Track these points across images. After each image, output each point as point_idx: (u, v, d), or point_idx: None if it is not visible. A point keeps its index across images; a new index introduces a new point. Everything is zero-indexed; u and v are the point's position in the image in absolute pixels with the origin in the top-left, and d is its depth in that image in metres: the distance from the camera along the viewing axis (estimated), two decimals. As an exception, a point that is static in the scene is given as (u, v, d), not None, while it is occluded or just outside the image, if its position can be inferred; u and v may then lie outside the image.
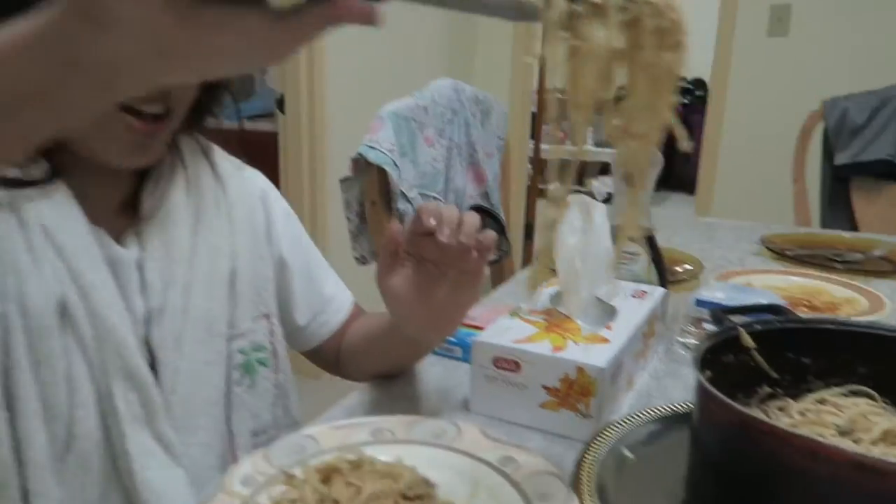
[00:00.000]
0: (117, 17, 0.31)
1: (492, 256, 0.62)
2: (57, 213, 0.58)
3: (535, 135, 3.72)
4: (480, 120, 1.56)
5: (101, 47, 0.32)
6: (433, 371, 0.78)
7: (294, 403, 0.74)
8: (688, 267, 1.11)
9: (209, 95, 0.67)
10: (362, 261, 1.35)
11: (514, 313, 0.74)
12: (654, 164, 0.88)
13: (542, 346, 0.66)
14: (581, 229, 0.75)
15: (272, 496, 0.50)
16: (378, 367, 0.76)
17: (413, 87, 2.81)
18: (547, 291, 0.82)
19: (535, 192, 3.76)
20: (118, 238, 0.63)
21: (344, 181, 1.33)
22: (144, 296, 0.63)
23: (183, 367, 0.62)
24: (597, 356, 0.64)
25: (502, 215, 1.60)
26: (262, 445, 0.69)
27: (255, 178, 0.77)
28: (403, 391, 0.74)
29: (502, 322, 0.72)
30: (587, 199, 0.78)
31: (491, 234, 0.61)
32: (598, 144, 5.91)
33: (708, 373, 0.51)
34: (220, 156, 0.74)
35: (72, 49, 0.32)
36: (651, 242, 0.89)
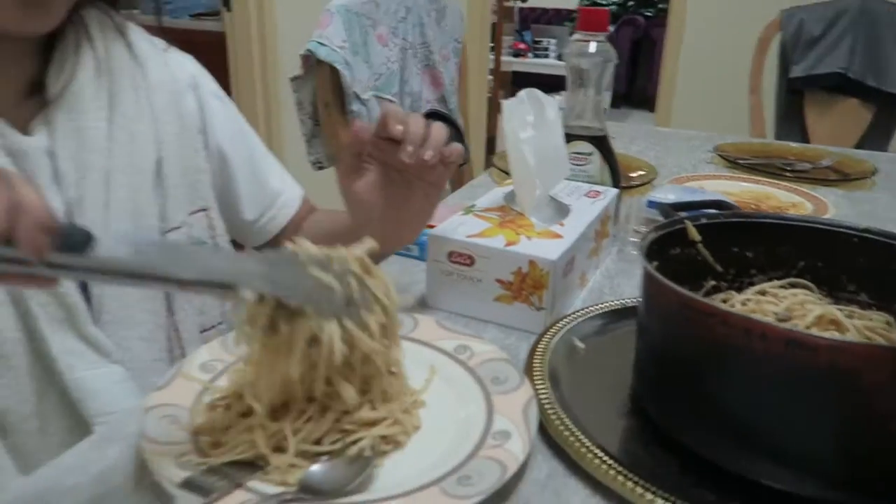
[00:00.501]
0: None
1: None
2: None
3: (496, 46, 3.65)
4: (436, 20, 1.51)
5: None
6: (391, 269, 0.78)
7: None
8: (642, 172, 1.12)
9: None
10: (318, 165, 1.32)
11: (468, 210, 0.74)
12: (609, 61, 0.86)
13: (496, 241, 0.66)
14: (533, 124, 0.74)
15: (232, 380, 0.50)
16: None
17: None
18: (500, 190, 0.82)
19: (496, 105, 3.72)
20: (23, 127, 0.58)
21: (294, 80, 1.28)
22: (59, 187, 0.59)
23: None
24: (549, 250, 0.65)
25: (460, 121, 1.58)
26: (207, 329, 0.69)
27: (184, 63, 0.73)
28: (358, 287, 0.74)
29: (456, 218, 0.72)
30: (539, 92, 0.76)
31: (457, 148, 0.60)
32: (559, 58, 5.82)
33: (655, 263, 0.52)
34: (139, 36, 0.68)
35: None
36: (604, 143, 0.89)
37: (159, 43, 0.69)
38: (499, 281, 0.66)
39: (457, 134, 1.56)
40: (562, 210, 0.76)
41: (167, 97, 0.66)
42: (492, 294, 0.67)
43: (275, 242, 0.79)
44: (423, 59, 1.47)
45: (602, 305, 0.68)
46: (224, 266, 0.39)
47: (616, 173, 0.88)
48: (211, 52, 2.37)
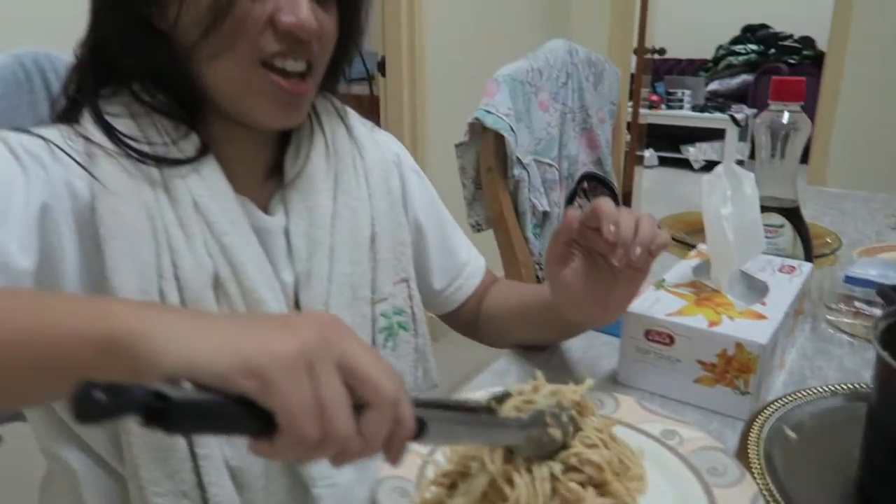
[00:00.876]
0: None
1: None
2: (206, 187, 0.58)
3: (635, 99, 3.61)
4: (594, 83, 1.52)
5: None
6: (574, 341, 0.78)
7: (433, 366, 0.76)
8: (827, 241, 1.06)
9: (342, 55, 0.66)
10: (477, 227, 1.35)
11: (660, 285, 0.73)
12: (802, 129, 0.84)
13: (697, 320, 0.65)
14: (731, 199, 0.72)
15: (446, 455, 0.52)
16: (523, 337, 0.77)
17: (511, 47, 2.78)
18: (687, 263, 0.80)
19: (633, 159, 3.67)
20: (263, 206, 0.64)
21: (459, 146, 1.33)
22: (291, 262, 0.64)
23: None
24: (756, 332, 0.62)
25: (615, 183, 1.57)
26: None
27: (389, 142, 0.78)
28: (549, 361, 0.74)
29: (649, 294, 0.71)
30: (736, 167, 0.75)
31: (665, 240, 0.59)
32: (694, 109, 5.68)
33: (888, 352, 0.49)
34: (355, 118, 0.74)
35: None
36: (796, 215, 0.85)
37: (367, 123, 0.75)
38: (700, 362, 0.64)
39: (612, 195, 1.55)
40: (758, 287, 0.73)
41: (380, 175, 0.71)
42: (692, 375, 0.65)
43: (458, 312, 0.82)
44: (580, 122, 1.48)
45: (811, 392, 0.64)
46: (502, 433, 0.44)
47: (808, 246, 0.84)
48: (364, 115, 2.54)
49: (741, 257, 0.73)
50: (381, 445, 0.35)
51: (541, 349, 0.77)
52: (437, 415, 0.38)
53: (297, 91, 0.58)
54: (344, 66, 0.68)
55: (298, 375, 0.32)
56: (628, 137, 3.60)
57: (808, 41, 5.93)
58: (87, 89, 0.58)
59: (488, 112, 1.24)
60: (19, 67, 0.67)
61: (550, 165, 1.39)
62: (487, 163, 1.30)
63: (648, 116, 5.37)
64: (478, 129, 1.28)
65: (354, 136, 0.71)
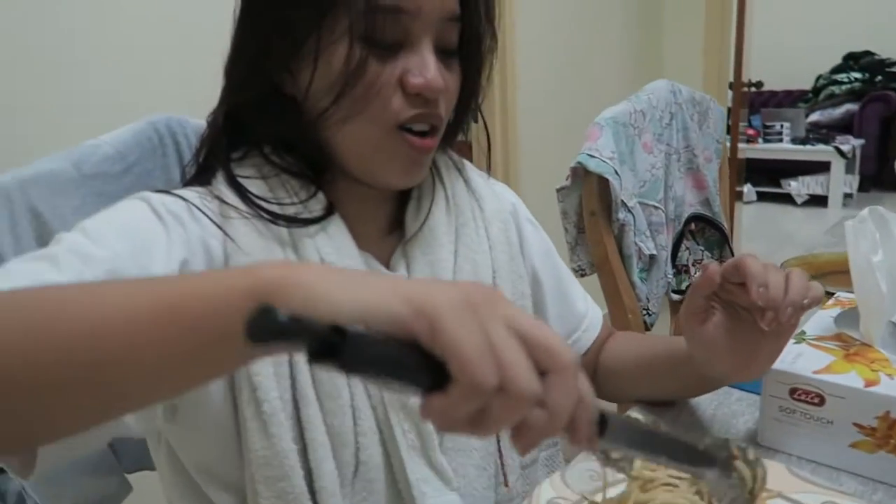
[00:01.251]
0: None
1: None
2: (333, 245, 0.58)
3: (732, 133, 3.49)
4: (698, 122, 1.48)
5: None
6: (704, 397, 0.73)
7: None
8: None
9: (463, 111, 0.66)
10: (581, 272, 1.32)
11: (800, 338, 0.68)
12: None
13: (851, 379, 0.59)
14: (880, 244, 0.66)
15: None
16: (649, 392, 0.73)
17: (602, 87, 2.76)
18: (826, 313, 0.74)
19: (732, 195, 3.53)
20: (385, 261, 0.64)
21: (560, 190, 1.31)
22: None
23: None
24: (923, 393, 0.56)
25: (724, 223, 1.50)
26: (528, 465, 0.69)
27: (505, 193, 0.77)
28: (678, 417, 0.70)
29: (791, 348, 0.65)
30: (882, 210, 0.69)
31: (818, 293, 0.55)
32: (794, 141, 5.43)
33: None
34: (472, 171, 0.73)
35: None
36: (950, 258, 0.77)
37: (483, 174, 0.74)
38: (857, 425, 0.58)
39: (721, 236, 1.48)
40: (916, 340, 0.66)
41: (499, 226, 0.70)
42: (847, 439, 0.59)
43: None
44: (686, 162, 1.43)
45: None
46: (680, 451, 0.41)
47: (967, 293, 0.76)
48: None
49: (893, 307, 0.67)
50: (566, 424, 0.32)
51: (668, 405, 0.72)
52: (615, 416, 0.35)
53: (423, 148, 0.59)
54: (463, 122, 0.68)
55: (468, 319, 0.30)
56: (727, 171, 3.47)
57: (917, 64, 5.59)
58: (219, 153, 0.60)
59: (591, 156, 1.22)
60: (154, 133, 0.71)
61: (656, 208, 1.35)
62: (591, 207, 1.28)
63: (746, 151, 5.18)
64: (580, 174, 1.26)
65: (473, 188, 0.70)
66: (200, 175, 0.62)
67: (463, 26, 0.59)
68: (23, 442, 0.39)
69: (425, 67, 0.56)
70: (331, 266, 0.33)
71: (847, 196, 5.33)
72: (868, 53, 5.89)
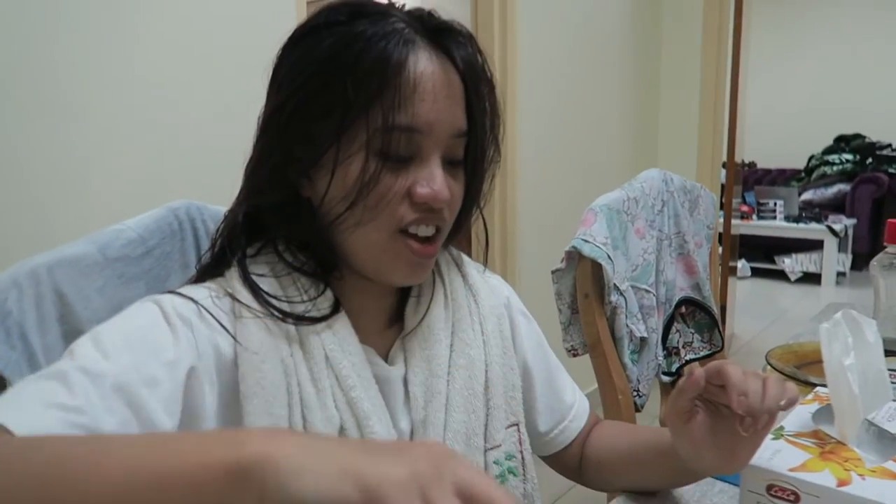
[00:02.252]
0: None
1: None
2: (337, 341, 0.62)
3: (726, 210, 3.58)
4: (689, 209, 1.54)
5: None
6: (687, 488, 0.75)
7: None
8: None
9: (466, 213, 0.70)
10: (573, 352, 1.35)
11: (778, 434, 0.71)
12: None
13: (824, 478, 0.62)
14: (853, 347, 0.70)
15: None
16: (634, 482, 0.75)
17: (601, 176, 2.84)
18: (805, 409, 0.77)
19: (726, 270, 3.59)
20: (384, 354, 0.67)
21: (555, 272, 1.36)
22: (408, 410, 0.66)
23: None
24: (892, 495, 0.59)
25: (714, 308, 1.54)
26: None
27: (501, 286, 0.80)
28: (662, 508, 0.72)
29: (769, 444, 0.68)
30: (855, 313, 0.73)
31: (792, 396, 0.59)
32: (787, 219, 5.53)
33: None
34: (469, 265, 0.77)
35: None
36: (923, 358, 0.81)
37: (479, 267, 0.78)
38: (831, 524, 0.61)
39: (711, 321, 1.52)
40: (888, 440, 0.70)
41: (494, 322, 0.73)
42: (822, 538, 0.61)
43: (562, 454, 0.81)
44: (677, 247, 1.49)
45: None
46: None
47: (939, 393, 0.79)
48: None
49: (868, 408, 0.70)
50: None
51: (650, 495, 0.75)
52: None
53: (427, 253, 0.63)
54: (465, 225, 0.71)
55: (413, 497, 0.34)
56: (720, 249, 3.54)
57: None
58: (237, 250, 0.64)
59: (585, 241, 1.27)
60: (174, 219, 0.76)
61: (648, 291, 1.39)
62: (584, 289, 1.32)
63: (740, 227, 5.29)
64: (575, 257, 1.31)
65: (470, 283, 0.74)
66: (215, 266, 0.65)
67: (469, 140, 0.64)
68: None
69: (433, 180, 0.60)
70: (307, 436, 0.38)
71: (840, 274, 5.40)
72: (858, 136, 6.07)
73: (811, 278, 5.45)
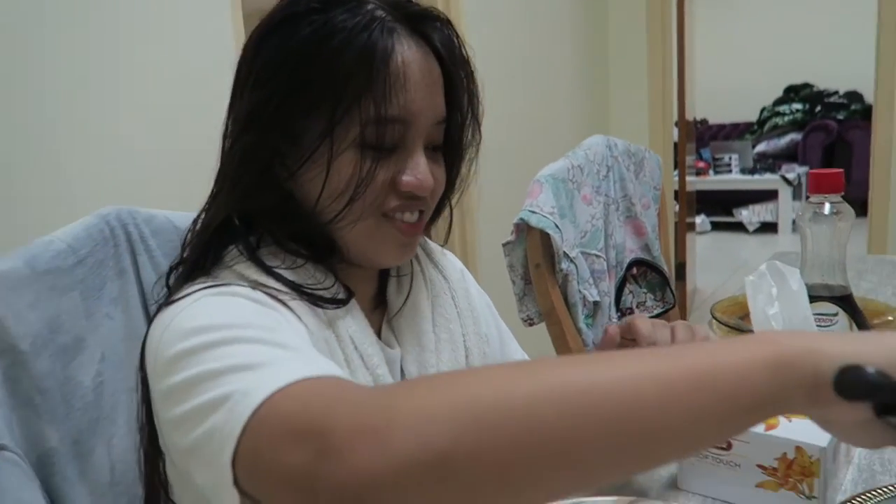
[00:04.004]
0: (836, 416, 0.38)
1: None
2: (357, 324, 0.63)
3: (680, 167, 3.63)
4: (634, 172, 1.56)
5: (807, 409, 0.38)
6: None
7: None
8: (889, 319, 1.03)
9: (445, 195, 0.70)
10: (529, 322, 1.38)
11: (714, 386, 0.74)
12: (846, 219, 0.84)
13: (753, 424, 0.65)
14: (777, 297, 0.73)
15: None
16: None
17: (555, 145, 2.85)
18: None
19: (683, 227, 3.65)
20: (378, 333, 0.69)
21: (506, 245, 1.37)
22: None
23: None
24: (816, 434, 0.62)
25: (664, 266, 1.58)
26: None
27: (455, 261, 0.82)
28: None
29: (704, 396, 0.71)
30: (780, 265, 0.76)
31: (703, 335, 0.62)
32: (742, 172, 5.64)
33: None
34: (429, 243, 0.78)
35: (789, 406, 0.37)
36: (849, 301, 0.85)
37: (437, 247, 0.79)
38: (761, 467, 0.64)
39: (662, 279, 1.55)
40: (815, 382, 0.73)
41: (462, 295, 0.75)
42: (753, 480, 0.64)
43: None
44: (624, 211, 1.52)
45: (883, 491, 0.63)
46: None
47: (866, 330, 0.83)
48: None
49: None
50: None
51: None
52: None
53: (413, 232, 0.64)
54: (443, 209, 0.71)
55: None
56: (677, 207, 3.60)
57: (855, 96, 5.89)
58: (246, 252, 0.61)
59: (532, 212, 1.29)
60: (105, 225, 0.75)
61: (598, 256, 1.42)
62: (535, 259, 1.34)
63: (697, 183, 5.37)
64: (523, 229, 1.33)
65: (435, 261, 0.75)
66: (205, 268, 0.62)
67: (448, 126, 0.65)
68: None
69: (417, 169, 0.61)
70: (822, 334, 0.38)
71: (795, 222, 5.53)
72: (807, 85, 6.19)
73: (769, 228, 5.58)
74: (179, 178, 1.44)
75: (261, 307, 0.55)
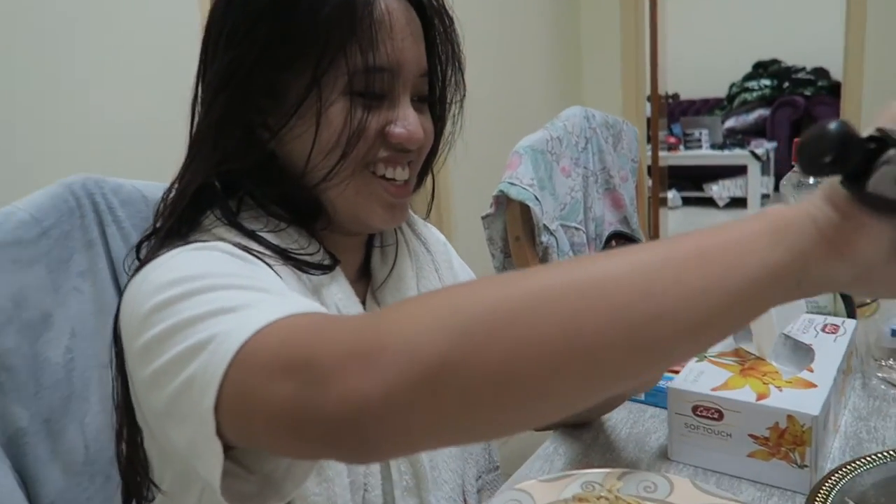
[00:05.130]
0: (855, 253, 0.34)
1: None
2: (342, 292, 0.61)
3: (653, 142, 3.65)
4: (613, 144, 1.55)
5: (824, 274, 0.34)
6: (619, 416, 0.77)
7: (495, 448, 0.76)
8: (867, 301, 1.04)
9: (428, 160, 0.68)
10: (509, 295, 1.37)
11: (702, 356, 0.73)
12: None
13: (745, 393, 0.65)
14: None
15: None
16: (569, 416, 0.77)
17: (527, 118, 2.84)
18: (727, 328, 0.80)
19: (656, 202, 3.68)
20: (362, 303, 0.66)
21: (485, 217, 1.36)
22: None
23: None
24: (807, 403, 0.62)
25: (643, 239, 1.57)
26: (480, 489, 0.72)
27: (437, 234, 0.80)
28: (596, 438, 0.74)
29: (692, 366, 0.71)
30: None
31: None
32: (713, 147, 5.69)
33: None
34: (416, 219, 0.76)
35: (803, 274, 0.34)
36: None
37: (419, 219, 0.77)
38: (752, 436, 0.64)
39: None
40: (803, 351, 0.73)
41: (445, 266, 0.74)
42: (745, 450, 0.64)
43: None
44: (603, 183, 1.51)
45: (870, 459, 0.63)
46: None
47: (850, 302, 0.83)
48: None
49: (782, 323, 0.73)
50: None
51: (584, 427, 0.76)
52: None
53: (402, 193, 0.61)
54: (429, 168, 0.69)
55: None
56: (650, 182, 3.62)
57: (821, 72, 5.96)
58: (226, 215, 0.58)
59: (512, 184, 1.27)
60: (70, 195, 0.71)
61: (577, 229, 1.41)
62: (515, 232, 1.33)
63: (668, 159, 5.41)
64: (503, 201, 1.31)
65: (417, 232, 0.73)
66: (184, 232, 0.58)
67: (431, 79, 0.63)
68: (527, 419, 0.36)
69: (407, 120, 0.58)
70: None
71: (764, 196, 5.61)
72: (775, 62, 6.24)
73: (738, 202, 5.64)
74: (148, 148, 1.39)
75: (241, 261, 0.52)
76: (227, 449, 0.41)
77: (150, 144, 1.39)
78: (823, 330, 0.77)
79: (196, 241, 0.54)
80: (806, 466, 0.61)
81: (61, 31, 1.33)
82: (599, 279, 0.34)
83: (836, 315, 0.82)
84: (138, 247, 0.61)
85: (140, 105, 1.43)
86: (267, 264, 0.55)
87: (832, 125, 0.31)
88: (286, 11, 0.55)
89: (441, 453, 0.66)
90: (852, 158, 0.32)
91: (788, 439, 0.62)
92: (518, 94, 2.85)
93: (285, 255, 0.58)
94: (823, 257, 0.34)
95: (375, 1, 0.56)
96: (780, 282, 0.34)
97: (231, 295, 0.44)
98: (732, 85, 6.43)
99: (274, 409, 0.37)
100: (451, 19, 0.64)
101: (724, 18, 6.53)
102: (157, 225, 0.60)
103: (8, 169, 1.27)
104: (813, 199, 0.35)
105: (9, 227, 0.66)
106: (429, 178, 0.73)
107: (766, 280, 0.34)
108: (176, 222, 0.59)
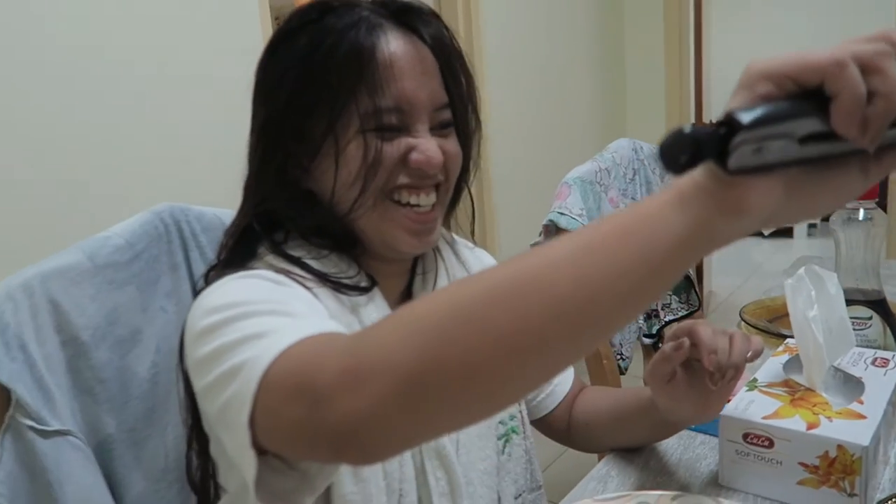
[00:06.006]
0: (752, 208, 0.36)
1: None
2: (379, 313, 0.66)
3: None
4: (660, 175, 1.57)
5: (731, 229, 0.37)
6: (670, 442, 0.80)
7: (538, 468, 0.79)
8: (918, 323, 1.04)
9: (458, 190, 0.73)
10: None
11: (752, 385, 0.75)
12: (879, 224, 0.86)
13: (795, 423, 0.66)
14: (815, 300, 0.75)
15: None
16: (619, 441, 0.80)
17: (568, 145, 2.87)
18: (777, 360, 0.82)
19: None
20: None
21: (534, 245, 1.39)
22: None
23: (462, 440, 0.69)
24: (857, 433, 0.63)
25: (689, 269, 1.59)
26: None
27: (484, 258, 0.84)
28: (647, 462, 0.76)
29: (743, 395, 0.73)
30: (817, 268, 0.78)
31: (757, 349, 0.64)
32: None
33: None
34: (460, 243, 0.80)
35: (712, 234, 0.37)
36: (883, 306, 0.86)
37: (468, 244, 0.81)
38: (802, 464, 0.65)
39: (687, 282, 1.57)
40: (853, 384, 0.74)
41: None
42: (795, 477, 0.66)
43: (548, 418, 0.84)
44: (650, 213, 1.53)
45: (922, 491, 0.64)
46: None
47: (900, 336, 0.84)
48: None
49: (832, 355, 0.74)
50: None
51: (636, 451, 0.79)
52: None
53: (427, 220, 0.66)
54: (459, 197, 0.74)
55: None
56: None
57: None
58: (271, 248, 0.66)
59: (562, 214, 1.31)
60: (160, 222, 0.77)
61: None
62: (563, 260, 1.36)
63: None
64: (552, 230, 1.34)
65: (463, 260, 0.77)
66: (239, 261, 0.66)
67: (452, 110, 0.67)
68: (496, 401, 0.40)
69: (424, 146, 0.64)
70: None
71: (811, 226, 5.51)
72: (822, 89, 6.15)
73: (784, 232, 5.55)
74: (227, 178, 1.47)
75: (276, 285, 0.60)
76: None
77: (231, 176, 1.48)
78: (873, 363, 0.78)
79: (246, 268, 0.63)
80: (856, 495, 0.63)
81: (157, 75, 1.42)
82: (538, 273, 0.37)
83: (885, 349, 0.83)
84: (206, 276, 0.67)
85: (219, 135, 1.52)
86: (306, 287, 0.62)
87: (685, 128, 0.34)
88: (307, 62, 0.63)
89: (474, 469, 0.69)
90: (707, 153, 0.34)
91: (838, 468, 0.64)
92: (563, 125, 2.89)
93: (324, 278, 0.64)
94: (725, 218, 0.36)
95: (380, 47, 0.62)
96: (693, 244, 0.37)
97: (263, 322, 0.51)
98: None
99: (291, 428, 0.44)
100: (460, 55, 0.69)
101: (769, 44, 6.48)
102: (220, 257, 0.68)
103: (106, 197, 1.37)
104: (703, 170, 0.36)
105: (107, 251, 0.72)
106: (466, 203, 0.77)
107: (680, 247, 0.37)
108: (229, 254, 0.67)
